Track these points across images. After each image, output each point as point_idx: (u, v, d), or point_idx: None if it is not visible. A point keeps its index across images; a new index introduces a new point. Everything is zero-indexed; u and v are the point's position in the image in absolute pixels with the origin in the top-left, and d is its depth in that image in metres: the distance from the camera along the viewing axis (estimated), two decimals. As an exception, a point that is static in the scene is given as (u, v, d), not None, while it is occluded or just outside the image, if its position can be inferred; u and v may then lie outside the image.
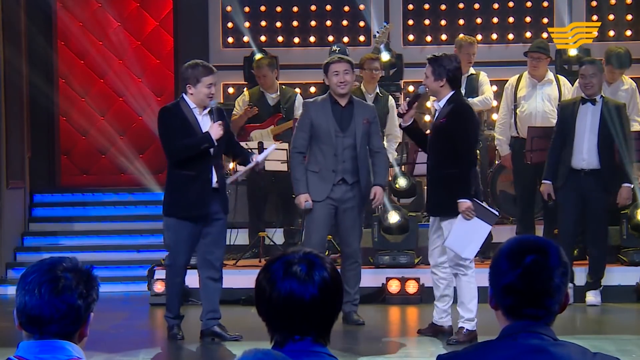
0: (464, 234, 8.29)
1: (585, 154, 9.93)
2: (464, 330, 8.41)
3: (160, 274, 10.61)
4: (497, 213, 8.45)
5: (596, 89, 9.98)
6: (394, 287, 10.66)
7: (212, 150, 8.51)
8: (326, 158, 9.08)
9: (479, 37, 13.88)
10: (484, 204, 8.45)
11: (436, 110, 8.62)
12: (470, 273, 8.40)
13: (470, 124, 8.52)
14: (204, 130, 8.52)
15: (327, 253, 10.39)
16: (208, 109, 8.54)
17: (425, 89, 8.59)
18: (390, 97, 11.66)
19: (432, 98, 11.20)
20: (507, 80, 11.49)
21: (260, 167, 9.01)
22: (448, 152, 8.40)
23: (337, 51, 12.36)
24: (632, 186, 10.00)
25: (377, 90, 11.55)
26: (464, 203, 8.28)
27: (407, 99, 8.68)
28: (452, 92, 8.47)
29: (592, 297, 10.25)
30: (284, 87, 12.00)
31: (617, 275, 10.64)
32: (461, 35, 12.18)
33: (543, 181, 10.14)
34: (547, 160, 10.10)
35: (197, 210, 8.48)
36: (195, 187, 8.49)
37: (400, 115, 8.63)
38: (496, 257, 2.96)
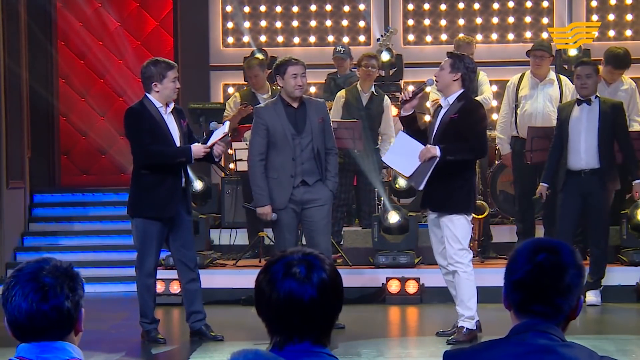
0: (402, 151, 8.36)
1: (583, 154, 9.91)
2: (464, 330, 8.36)
3: (160, 273, 10.58)
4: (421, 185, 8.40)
5: (591, 90, 9.96)
6: (394, 287, 10.65)
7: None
8: (284, 163, 8.69)
9: (479, 37, 13.89)
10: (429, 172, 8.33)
11: (441, 106, 8.51)
12: (469, 271, 8.33)
13: (482, 122, 8.45)
14: (171, 129, 8.47)
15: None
16: (210, 129, 8.43)
17: (433, 81, 8.47)
18: (386, 97, 11.61)
19: (432, 96, 11.19)
20: (507, 80, 11.48)
21: (217, 151, 8.59)
22: None
23: (341, 51, 12.37)
24: None
25: (373, 89, 11.50)
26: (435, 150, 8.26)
27: (412, 88, 8.55)
28: (461, 90, 8.37)
29: (592, 297, 10.23)
30: (274, 87, 11.96)
31: (617, 275, 10.62)
32: (459, 36, 12.18)
33: (541, 183, 10.14)
34: (547, 162, 10.09)
35: (166, 210, 8.42)
36: (165, 187, 8.43)
37: (403, 102, 8.44)
38: (511, 256, 3.02)
